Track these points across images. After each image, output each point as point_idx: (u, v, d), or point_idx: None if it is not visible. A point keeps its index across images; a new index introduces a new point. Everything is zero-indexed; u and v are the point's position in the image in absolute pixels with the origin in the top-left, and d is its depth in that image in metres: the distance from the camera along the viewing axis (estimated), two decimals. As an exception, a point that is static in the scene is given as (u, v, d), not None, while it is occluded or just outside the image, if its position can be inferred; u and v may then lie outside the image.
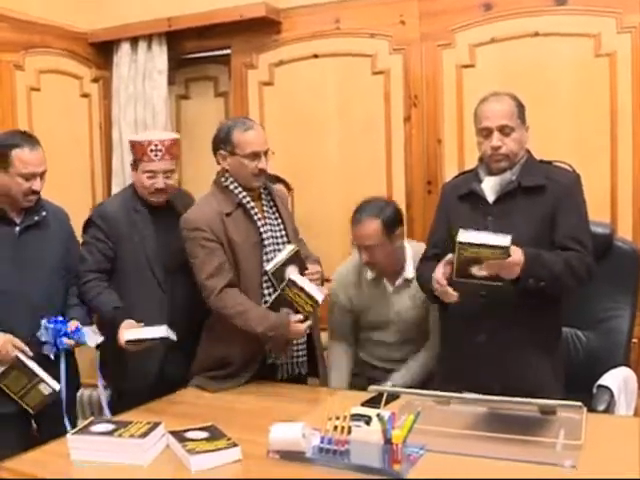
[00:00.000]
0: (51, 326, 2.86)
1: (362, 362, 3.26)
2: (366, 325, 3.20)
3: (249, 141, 2.93)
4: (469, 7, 3.68)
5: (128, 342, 2.83)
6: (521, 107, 2.72)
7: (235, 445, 2.19)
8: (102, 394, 3.01)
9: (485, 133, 2.70)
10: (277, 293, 2.88)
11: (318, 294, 2.84)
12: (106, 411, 2.92)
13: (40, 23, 4.16)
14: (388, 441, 2.01)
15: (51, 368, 2.87)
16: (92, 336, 2.91)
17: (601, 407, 2.70)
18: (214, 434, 2.28)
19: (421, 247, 3.07)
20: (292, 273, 2.88)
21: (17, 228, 2.91)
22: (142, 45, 4.44)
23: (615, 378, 2.84)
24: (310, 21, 4.07)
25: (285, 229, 3.05)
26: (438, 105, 3.79)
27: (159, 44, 4.41)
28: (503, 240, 2.44)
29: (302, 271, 2.94)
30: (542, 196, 2.65)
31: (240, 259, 2.91)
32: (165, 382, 3.00)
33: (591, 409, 2.54)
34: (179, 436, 2.26)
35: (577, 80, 3.50)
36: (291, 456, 2.13)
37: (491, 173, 2.74)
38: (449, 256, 2.57)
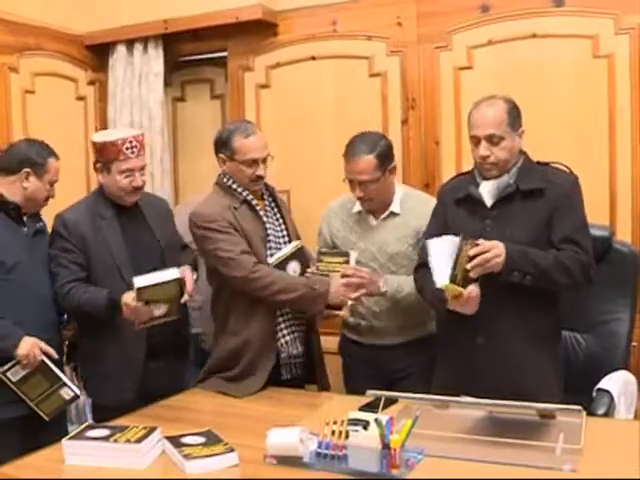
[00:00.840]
0: None
1: None
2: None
3: (249, 148, 2.94)
4: (466, 9, 3.67)
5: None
6: (515, 113, 2.68)
7: (232, 450, 2.17)
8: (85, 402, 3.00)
9: (474, 141, 2.69)
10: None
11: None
12: (88, 416, 2.91)
13: (35, 25, 4.15)
14: (386, 446, 2.00)
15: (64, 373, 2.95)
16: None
17: (601, 411, 2.68)
18: (211, 439, 2.26)
19: (411, 192, 3.17)
20: (293, 269, 2.93)
21: (26, 229, 3.00)
22: (138, 47, 4.43)
23: (615, 381, 2.82)
24: (307, 23, 4.07)
25: (287, 229, 3.06)
26: (436, 107, 3.78)
27: (155, 46, 4.41)
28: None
29: (305, 268, 2.96)
30: (541, 199, 2.64)
31: (252, 247, 2.92)
32: (147, 394, 2.88)
33: (590, 413, 2.52)
34: (175, 441, 2.25)
35: (575, 82, 3.49)
36: (288, 461, 2.12)
37: (486, 177, 2.73)
38: None
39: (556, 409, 2.29)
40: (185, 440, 2.25)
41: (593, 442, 2.13)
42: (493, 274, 2.51)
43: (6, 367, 2.78)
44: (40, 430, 2.84)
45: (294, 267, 2.95)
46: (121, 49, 4.47)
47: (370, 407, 2.43)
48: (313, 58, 4.08)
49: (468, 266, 2.49)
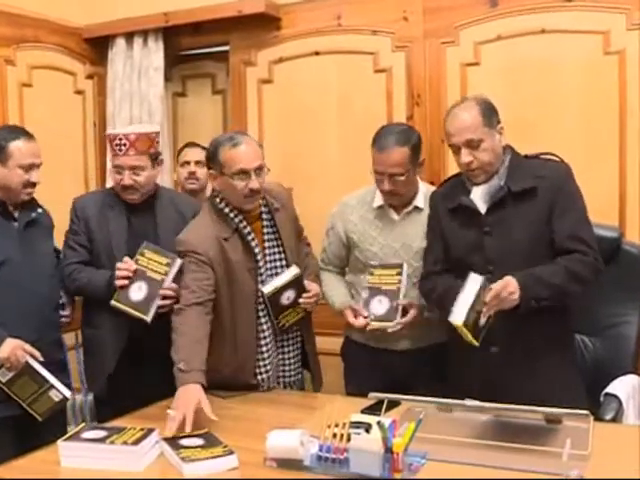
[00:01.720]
0: None
1: None
2: (370, 258, 3.05)
3: (236, 158, 2.74)
4: (474, 3, 3.63)
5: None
6: (489, 111, 2.65)
7: (231, 453, 2.14)
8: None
9: (455, 149, 2.66)
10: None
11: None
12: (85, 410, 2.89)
13: (32, 17, 4.12)
14: (389, 449, 1.97)
15: (59, 373, 2.91)
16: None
17: (609, 416, 2.65)
18: (210, 441, 2.23)
19: (433, 189, 3.06)
20: (287, 297, 2.87)
21: (16, 224, 2.94)
22: (138, 41, 4.39)
23: (623, 386, 2.79)
24: (311, 17, 4.03)
25: (284, 252, 2.93)
26: (442, 104, 3.72)
27: (155, 40, 4.36)
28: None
29: (299, 295, 2.88)
30: (535, 197, 2.61)
31: (237, 278, 2.81)
32: (143, 399, 2.83)
33: (598, 418, 2.50)
34: (173, 443, 2.22)
35: (585, 79, 3.44)
36: (289, 464, 2.09)
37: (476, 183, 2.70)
38: None
39: (563, 414, 2.24)
40: (183, 442, 2.22)
41: (601, 448, 2.09)
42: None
43: None
44: (40, 430, 2.81)
45: (289, 295, 2.86)
46: (120, 42, 4.43)
47: (372, 410, 2.39)
48: (317, 53, 4.04)
49: (484, 310, 2.47)
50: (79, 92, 4.50)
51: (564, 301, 2.63)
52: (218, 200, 2.83)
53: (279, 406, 2.74)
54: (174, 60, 4.57)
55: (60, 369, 2.98)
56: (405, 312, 2.91)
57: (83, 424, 2.46)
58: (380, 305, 2.93)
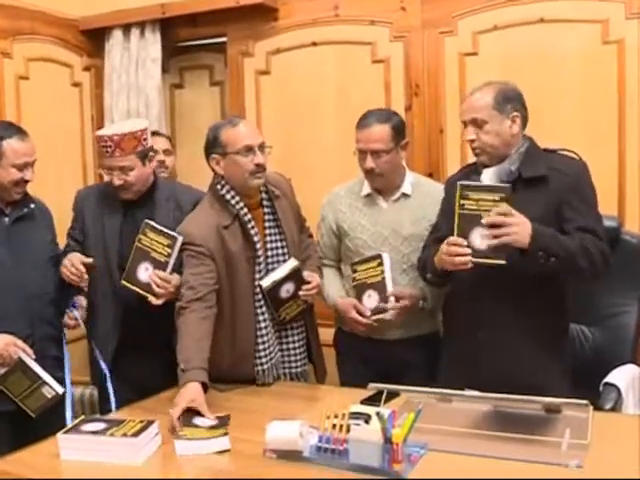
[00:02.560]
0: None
1: None
2: (360, 246, 3.08)
3: (239, 135, 2.78)
4: (472, -7, 3.62)
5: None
6: (505, 96, 2.66)
7: (224, 434, 2.20)
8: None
9: (463, 126, 2.71)
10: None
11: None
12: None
13: (29, 9, 4.10)
14: (388, 440, 1.97)
15: (54, 369, 2.91)
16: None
17: (608, 405, 2.65)
18: (219, 424, 2.31)
19: (422, 178, 3.19)
20: (287, 290, 2.85)
21: (7, 219, 2.92)
22: (135, 32, 4.38)
23: (623, 376, 2.78)
24: (308, 8, 4.01)
25: (286, 240, 2.92)
26: (440, 94, 3.74)
27: (152, 31, 4.36)
28: (503, 187, 2.49)
29: (298, 288, 2.87)
30: (544, 187, 2.60)
31: (236, 270, 2.79)
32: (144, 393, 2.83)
33: (598, 407, 2.50)
34: (187, 419, 2.31)
35: (584, 68, 3.43)
36: (288, 455, 2.09)
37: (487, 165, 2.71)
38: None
39: (562, 403, 2.25)
40: (196, 421, 2.32)
41: (600, 437, 2.10)
42: (513, 256, 2.46)
43: None
44: (38, 423, 2.80)
45: (288, 288, 2.85)
46: (117, 34, 4.42)
47: (372, 401, 2.39)
48: (314, 44, 4.03)
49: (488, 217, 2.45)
50: (76, 84, 4.49)
51: (569, 274, 2.61)
52: (219, 186, 2.82)
53: (278, 397, 2.74)
54: (171, 52, 4.56)
55: (55, 365, 2.96)
56: (398, 300, 2.94)
57: (82, 416, 2.45)
58: (370, 300, 2.96)
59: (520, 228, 2.43)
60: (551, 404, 2.27)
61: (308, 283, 2.90)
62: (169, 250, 2.80)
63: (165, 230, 2.83)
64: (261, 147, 2.80)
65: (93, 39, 4.51)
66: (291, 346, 2.95)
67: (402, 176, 3.08)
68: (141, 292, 2.82)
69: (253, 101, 4.21)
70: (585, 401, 2.14)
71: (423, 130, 3.77)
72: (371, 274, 2.95)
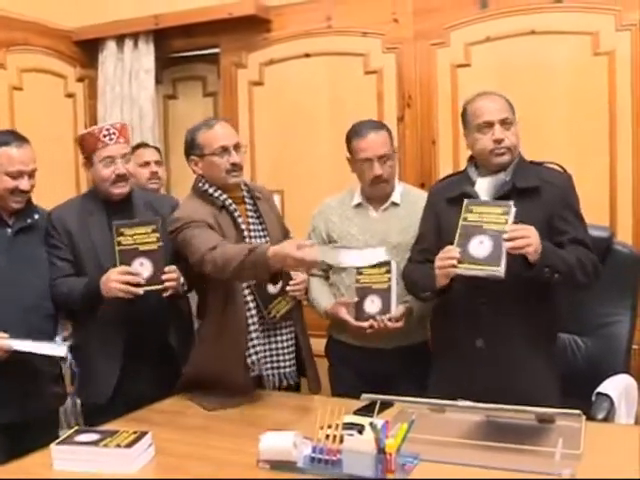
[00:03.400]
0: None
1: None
2: None
3: (214, 137, 2.83)
4: (464, 5, 3.64)
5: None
6: (511, 105, 2.71)
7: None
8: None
9: (485, 127, 2.66)
10: None
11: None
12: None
13: (22, 20, 4.11)
14: (381, 450, 1.96)
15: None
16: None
17: (600, 415, 2.65)
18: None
19: (410, 187, 3.21)
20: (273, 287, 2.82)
21: (9, 230, 2.88)
22: (128, 43, 4.40)
23: (615, 385, 2.79)
24: (301, 19, 4.04)
25: (269, 236, 2.91)
26: (432, 105, 3.76)
27: (146, 42, 4.38)
28: (506, 203, 2.50)
29: (286, 282, 2.84)
30: (536, 198, 2.62)
31: None
32: (124, 398, 2.80)
33: (590, 417, 2.50)
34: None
35: (575, 80, 3.46)
36: (282, 466, 2.07)
37: (483, 174, 2.71)
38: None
39: (555, 413, 2.25)
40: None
41: (593, 447, 2.09)
42: (519, 271, 2.48)
43: None
44: (31, 434, 2.73)
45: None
46: (111, 45, 4.44)
47: (365, 411, 2.38)
48: (307, 55, 4.05)
49: (506, 234, 2.45)
50: (70, 95, 4.50)
51: (548, 292, 2.63)
52: (201, 184, 2.86)
53: (272, 408, 2.72)
54: (165, 63, 4.57)
55: (53, 380, 2.93)
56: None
57: (76, 427, 2.44)
58: (373, 305, 2.93)
59: (536, 240, 2.45)
60: (544, 414, 2.26)
61: (294, 279, 2.88)
62: (156, 234, 2.77)
63: (140, 220, 2.81)
64: (236, 147, 2.84)
65: (87, 50, 4.52)
66: (280, 345, 2.91)
67: (394, 184, 3.10)
68: (150, 289, 2.75)
69: (246, 112, 4.21)
70: (578, 411, 2.13)
71: (415, 141, 3.78)
72: (377, 279, 2.92)
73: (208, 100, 4.63)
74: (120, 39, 4.41)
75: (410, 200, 3.08)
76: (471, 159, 2.79)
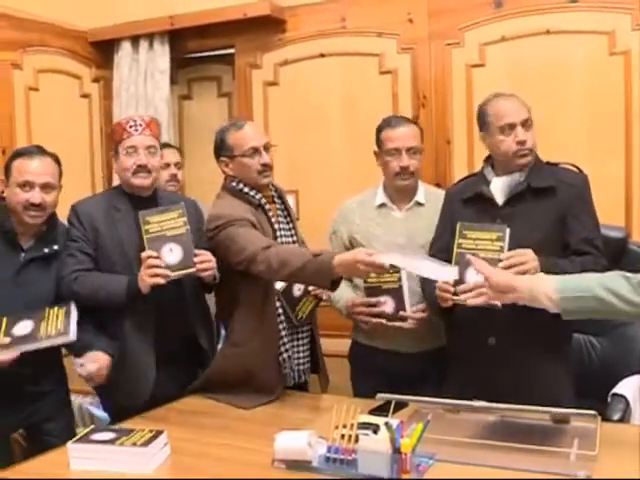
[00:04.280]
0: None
1: None
2: None
3: (244, 138, 2.85)
4: (479, 5, 3.64)
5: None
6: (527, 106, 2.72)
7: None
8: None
9: (508, 129, 2.65)
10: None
11: None
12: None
13: (39, 21, 4.13)
14: (396, 450, 1.96)
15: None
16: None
17: (616, 416, 2.65)
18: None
19: (430, 187, 3.21)
20: (297, 289, 2.84)
21: (22, 255, 2.79)
22: (144, 44, 4.41)
23: (630, 386, 2.79)
24: (316, 20, 4.04)
25: (296, 234, 2.96)
26: (447, 105, 3.76)
27: (161, 43, 4.39)
28: (500, 227, 2.50)
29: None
30: (552, 198, 2.62)
31: None
32: (158, 403, 2.78)
33: (605, 418, 2.49)
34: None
35: (590, 79, 3.45)
36: (297, 465, 2.08)
37: (500, 174, 2.71)
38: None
39: (570, 414, 2.25)
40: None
41: (608, 448, 2.08)
42: None
43: None
44: (47, 432, 2.80)
45: (299, 286, 2.85)
46: (126, 46, 4.45)
47: (380, 411, 2.37)
48: (322, 55, 4.05)
49: (503, 258, 2.45)
50: (85, 96, 4.51)
51: None
52: (235, 183, 2.87)
53: (287, 408, 2.73)
54: (180, 63, 4.58)
55: (63, 406, 2.91)
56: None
57: (92, 426, 2.45)
58: (385, 306, 2.93)
59: (533, 264, 2.44)
60: (559, 415, 2.26)
61: None
62: (183, 219, 2.75)
63: (165, 207, 2.78)
64: (266, 147, 2.87)
65: (102, 51, 4.54)
66: (299, 343, 2.93)
67: (417, 184, 3.09)
68: (182, 274, 2.71)
69: (261, 112, 4.22)
70: (593, 412, 2.13)
71: (430, 141, 3.75)
72: (387, 279, 2.90)
73: (223, 100, 4.65)
74: (135, 40, 4.42)
75: (433, 199, 3.05)
76: (487, 159, 2.79)
